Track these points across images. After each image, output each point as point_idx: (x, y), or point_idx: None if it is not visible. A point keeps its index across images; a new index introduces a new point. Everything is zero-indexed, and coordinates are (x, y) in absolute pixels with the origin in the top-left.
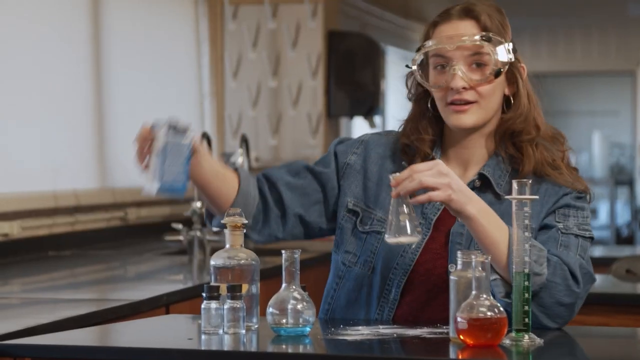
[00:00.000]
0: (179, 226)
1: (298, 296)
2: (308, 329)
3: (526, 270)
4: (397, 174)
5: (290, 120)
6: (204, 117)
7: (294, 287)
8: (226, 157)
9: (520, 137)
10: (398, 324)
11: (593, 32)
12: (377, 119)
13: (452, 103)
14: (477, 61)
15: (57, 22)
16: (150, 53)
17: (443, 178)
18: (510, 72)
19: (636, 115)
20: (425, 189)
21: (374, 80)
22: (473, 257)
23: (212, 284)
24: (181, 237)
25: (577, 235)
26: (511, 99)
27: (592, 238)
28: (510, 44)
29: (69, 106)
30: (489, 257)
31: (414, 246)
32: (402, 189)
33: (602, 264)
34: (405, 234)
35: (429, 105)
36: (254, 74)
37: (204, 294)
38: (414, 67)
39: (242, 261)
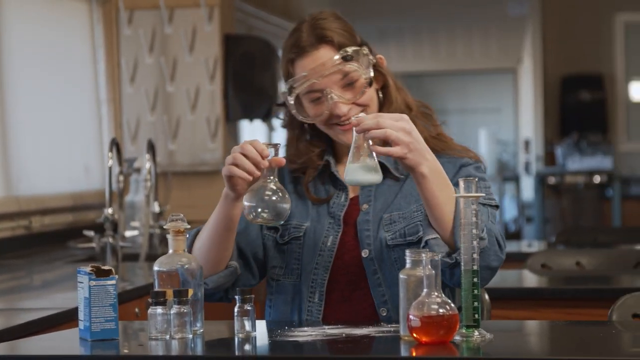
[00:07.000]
0: (91, 233)
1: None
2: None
3: (475, 268)
4: (362, 114)
5: (189, 125)
6: (101, 123)
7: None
8: (129, 163)
9: None
10: (328, 321)
11: (474, 32)
12: (275, 122)
13: (338, 124)
14: (348, 81)
15: None
16: (49, 60)
17: (406, 136)
18: (375, 70)
19: (518, 111)
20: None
21: (272, 82)
22: (423, 255)
23: (157, 289)
24: (93, 244)
25: (484, 204)
26: (379, 92)
27: (497, 206)
28: (365, 47)
29: None
30: (439, 255)
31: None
32: (364, 128)
33: (515, 259)
34: (365, 173)
35: (305, 127)
36: (151, 79)
37: (149, 300)
38: (293, 111)
39: (186, 266)
